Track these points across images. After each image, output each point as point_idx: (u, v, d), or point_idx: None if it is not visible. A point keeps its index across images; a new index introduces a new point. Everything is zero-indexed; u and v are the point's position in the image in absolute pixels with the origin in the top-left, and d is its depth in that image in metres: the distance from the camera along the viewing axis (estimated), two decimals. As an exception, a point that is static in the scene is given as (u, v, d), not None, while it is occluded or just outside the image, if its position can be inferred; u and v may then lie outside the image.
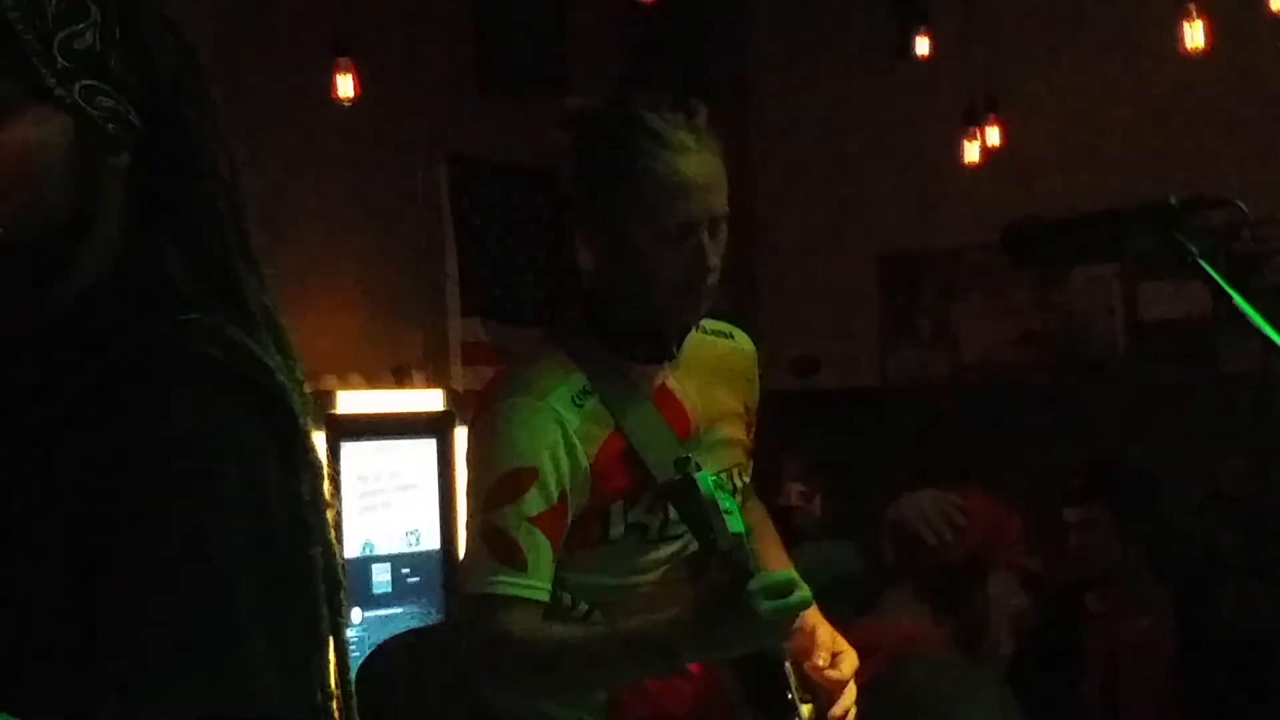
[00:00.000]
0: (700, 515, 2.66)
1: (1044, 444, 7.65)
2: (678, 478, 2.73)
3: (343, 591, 1.87)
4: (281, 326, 1.92)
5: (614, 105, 2.94)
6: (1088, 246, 2.55)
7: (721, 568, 2.61)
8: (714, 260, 2.88)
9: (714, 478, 2.69)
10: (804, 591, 2.62)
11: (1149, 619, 5.26)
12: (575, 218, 2.99)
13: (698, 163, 2.85)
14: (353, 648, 6.47)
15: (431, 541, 6.92)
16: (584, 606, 2.92)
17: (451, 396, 7.05)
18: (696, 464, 2.74)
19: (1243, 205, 2.44)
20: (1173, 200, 2.30)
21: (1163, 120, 7.92)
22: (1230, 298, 2.22)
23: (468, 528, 2.93)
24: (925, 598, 3.77)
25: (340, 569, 1.87)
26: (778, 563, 3.13)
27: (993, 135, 7.76)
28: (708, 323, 3.11)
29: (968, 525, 3.84)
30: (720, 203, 2.89)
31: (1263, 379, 6.94)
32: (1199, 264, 2.26)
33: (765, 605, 2.56)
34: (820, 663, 2.93)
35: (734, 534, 2.61)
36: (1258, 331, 2.22)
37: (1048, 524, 5.64)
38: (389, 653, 4.99)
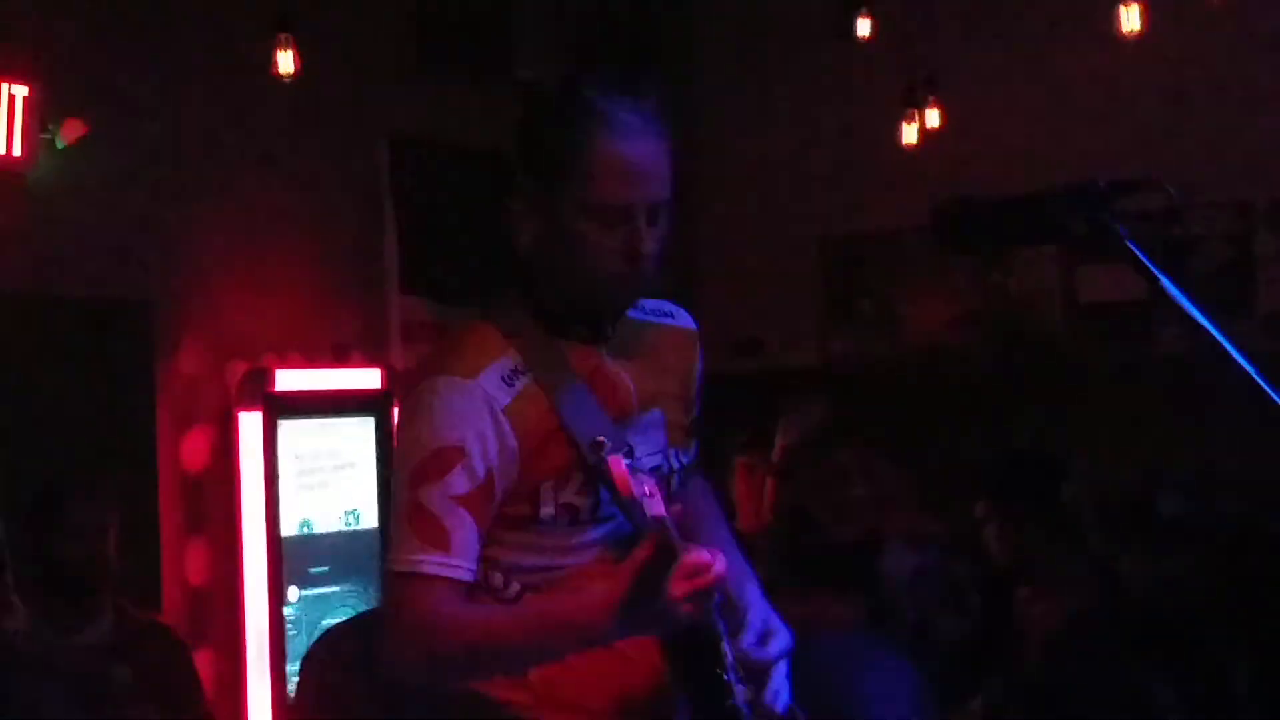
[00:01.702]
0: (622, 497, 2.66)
1: (984, 424, 7.69)
2: (592, 460, 2.73)
3: None
4: None
5: (562, 82, 2.92)
6: (1019, 231, 2.54)
7: (642, 548, 2.60)
8: (650, 246, 2.86)
9: (629, 462, 2.68)
10: (717, 568, 2.61)
11: (1074, 597, 5.29)
12: (515, 193, 2.97)
13: (640, 147, 2.83)
14: (290, 626, 6.54)
15: (370, 521, 6.92)
16: (515, 587, 2.90)
17: (390, 375, 7.03)
18: (614, 446, 2.73)
19: (1170, 189, 2.45)
20: (1100, 182, 2.31)
21: (1102, 103, 7.96)
22: (1157, 280, 2.24)
23: (393, 506, 2.91)
24: (820, 578, 3.77)
25: None
26: (719, 542, 3.13)
27: (932, 117, 7.77)
28: (648, 302, 3.09)
29: (855, 504, 3.85)
30: (661, 189, 2.87)
31: (1196, 359, 6.97)
32: (1127, 246, 2.27)
33: (680, 585, 2.56)
34: (746, 644, 2.93)
35: (652, 516, 2.61)
36: (1187, 314, 2.23)
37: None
38: (334, 638, 4.99)
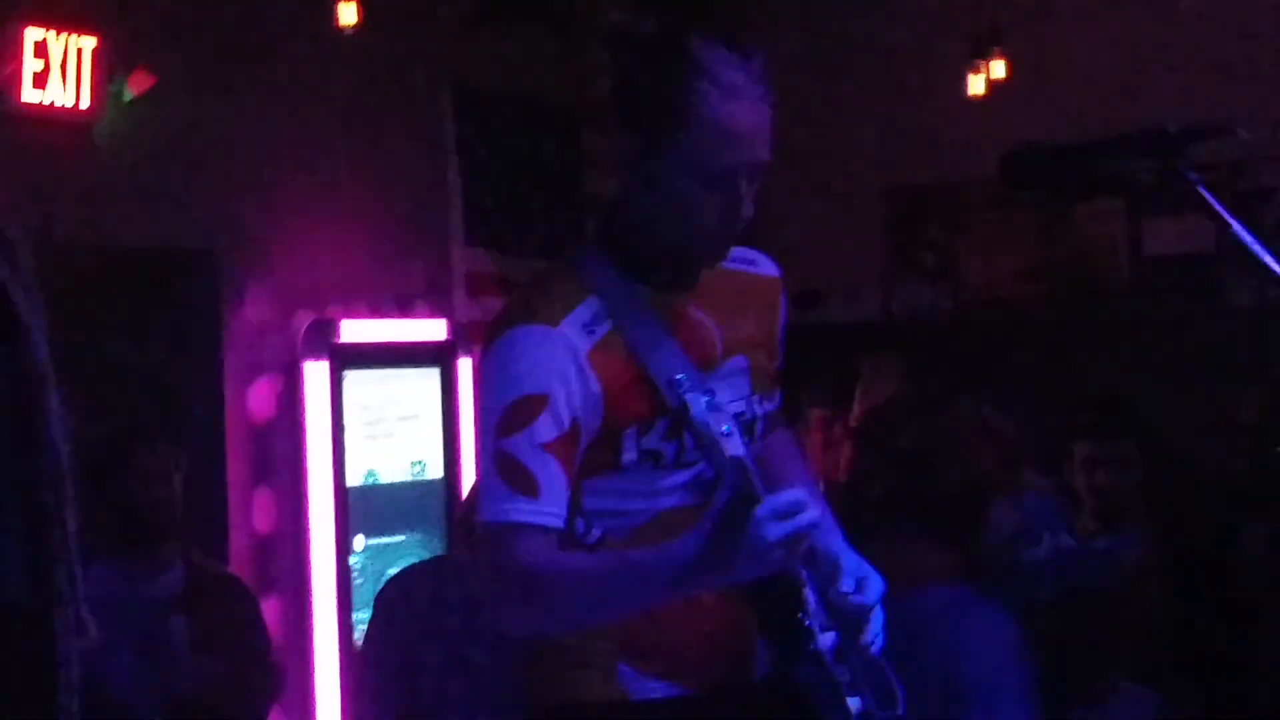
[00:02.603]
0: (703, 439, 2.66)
1: (1046, 379, 7.65)
2: (670, 400, 2.73)
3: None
4: None
5: (667, 34, 2.90)
6: (1089, 178, 2.54)
7: (725, 491, 2.60)
8: (748, 209, 2.87)
9: (708, 399, 2.68)
10: (811, 513, 2.60)
11: (1141, 551, 5.28)
12: (605, 141, 2.96)
13: (748, 110, 2.82)
14: (356, 575, 6.58)
15: (435, 472, 6.95)
16: (597, 533, 2.92)
17: (455, 327, 7.05)
18: (693, 386, 2.73)
19: (1244, 134, 2.43)
20: (1170, 128, 2.30)
21: (1174, 50, 7.86)
22: (1230, 227, 2.23)
23: (479, 456, 2.93)
24: (926, 526, 3.75)
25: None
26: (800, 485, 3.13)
27: (998, 68, 7.72)
28: (733, 249, 3.07)
29: (970, 453, 3.82)
30: (764, 152, 2.86)
31: (1266, 312, 6.93)
32: (1198, 193, 2.26)
33: (768, 527, 2.55)
34: (845, 589, 2.92)
35: (732, 457, 2.61)
36: (1260, 264, 2.22)
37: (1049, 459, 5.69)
38: (406, 578, 5.03)
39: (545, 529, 2.80)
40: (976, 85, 7.77)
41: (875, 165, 8.69)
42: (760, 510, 2.54)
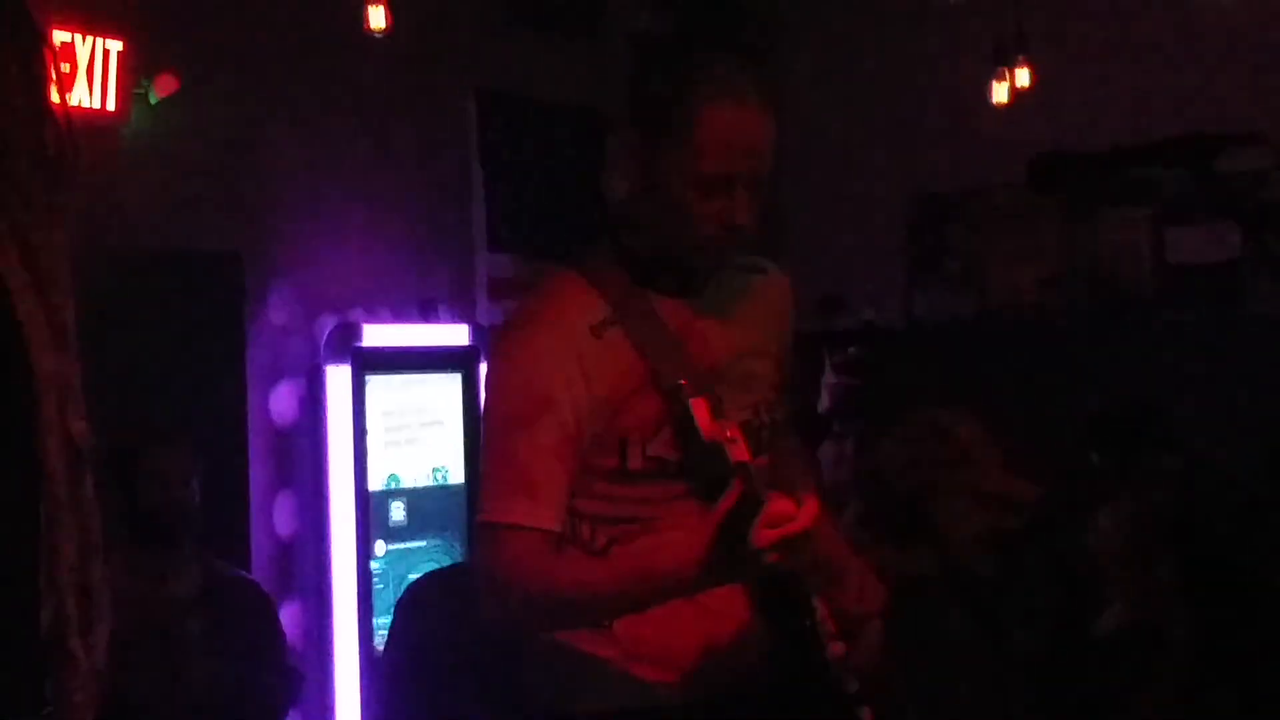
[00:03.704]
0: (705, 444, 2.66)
1: (1068, 386, 7.64)
2: (675, 405, 2.72)
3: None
4: None
5: (675, 40, 2.91)
6: (1116, 185, 2.54)
7: (725, 496, 2.59)
8: (745, 217, 2.86)
9: (713, 406, 2.68)
10: (802, 522, 2.59)
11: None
12: (617, 143, 2.96)
13: (749, 118, 2.83)
14: (377, 580, 6.58)
15: (457, 477, 6.95)
16: (603, 539, 2.90)
17: (478, 331, 7.05)
18: (698, 392, 2.72)
19: (1275, 145, 2.44)
20: (1202, 136, 2.30)
21: (1199, 59, 7.82)
22: (1255, 235, 2.22)
23: (482, 456, 2.93)
24: (886, 532, 3.77)
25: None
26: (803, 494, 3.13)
27: (1022, 76, 7.70)
28: (742, 255, 3.08)
29: (916, 457, 3.84)
30: (764, 161, 2.87)
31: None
32: (1225, 201, 2.26)
33: (766, 534, 2.54)
34: (846, 598, 2.92)
35: (735, 462, 2.60)
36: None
37: (1067, 464, 5.67)
38: (428, 583, 5.03)
39: (542, 531, 2.80)
40: (1000, 93, 7.75)
41: (899, 172, 8.68)
42: (754, 514, 2.55)
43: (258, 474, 6.60)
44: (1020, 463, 4.13)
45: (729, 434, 2.64)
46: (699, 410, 2.63)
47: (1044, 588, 5.17)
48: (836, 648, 2.86)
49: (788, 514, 2.58)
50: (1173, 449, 5.44)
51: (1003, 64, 7.71)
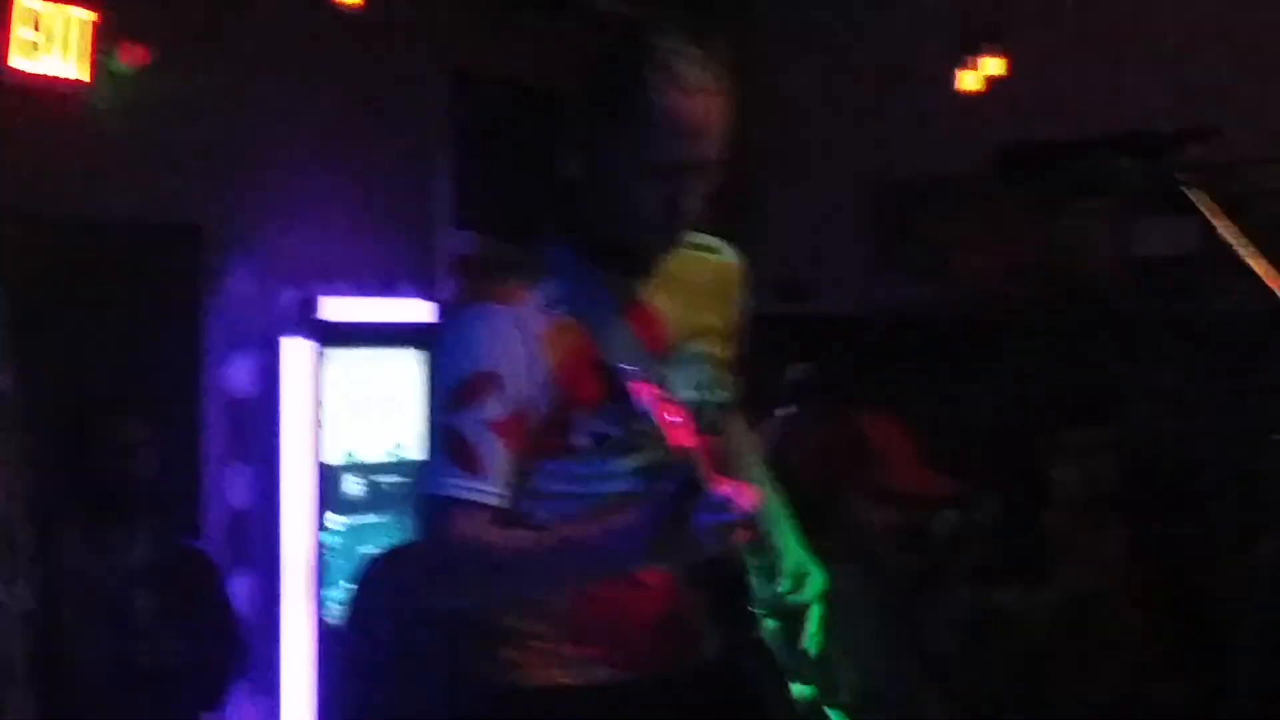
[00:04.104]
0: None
1: (1030, 376, 7.66)
2: (619, 387, 2.72)
3: None
4: None
5: (628, 25, 2.91)
6: (1080, 177, 2.55)
7: (669, 479, 2.59)
8: (692, 203, 2.87)
9: (659, 389, 2.68)
10: (740, 508, 2.59)
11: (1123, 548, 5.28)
12: (569, 127, 2.96)
13: (698, 105, 2.82)
14: (329, 553, 6.56)
15: (414, 453, 6.93)
16: (547, 515, 2.91)
17: (439, 308, 7.03)
18: (645, 374, 2.72)
19: (1229, 140, 2.44)
20: (1160, 130, 2.31)
21: (1166, 51, 7.84)
22: (1216, 230, 2.23)
23: (428, 430, 2.92)
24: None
25: None
26: (754, 481, 3.13)
27: (990, 64, 7.71)
28: (694, 236, 3.08)
29: (818, 456, 3.89)
30: (712, 148, 2.86)
31: (1251, 316, 6.91)
32: (1186, 196, 2.26)
33: (705, 518, 2.55)
34: (780, 587, 2.96)
35: (677, 445, 2.60)
36: (1245, 268, 2.22)
37: (1026, 453, 5.69)
38: (385, 560, 5.03)
39: (485, 506, 2.80)
40: (968, 80, 7.76)
41: (865, 158, 8.67)
42: (693, 499, 2.55)
43: (213, 445, 6.58)
44: (942, 460, 4.16)
45: (674, 419, 2.63)
46: (640, 392, 2.62)
47: (964, 579, 5.21)
48: (769, 627, 2.88)
49: (728, 498, 2.58)
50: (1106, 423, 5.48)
51: (971, 52, 7.73)
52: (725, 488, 2.59)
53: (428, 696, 4.61)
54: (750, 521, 2.63)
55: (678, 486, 2.56)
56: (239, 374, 6.67)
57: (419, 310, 7.01)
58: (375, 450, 6.83)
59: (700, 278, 3.11)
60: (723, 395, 3.11)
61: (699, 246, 3.12)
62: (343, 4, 6.46)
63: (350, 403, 6.75)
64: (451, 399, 2.84)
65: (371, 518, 6.75)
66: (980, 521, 5.44)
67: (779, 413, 5.24)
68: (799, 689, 2.91)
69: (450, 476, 2.80)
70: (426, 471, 2.88)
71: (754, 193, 8.50)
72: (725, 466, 2.87)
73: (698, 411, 2.92)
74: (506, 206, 7.65)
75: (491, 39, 7.65)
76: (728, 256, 3.22)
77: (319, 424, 6.56)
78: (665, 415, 2.60)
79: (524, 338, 2.83)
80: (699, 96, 2.81)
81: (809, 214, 8.70)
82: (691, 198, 2.85)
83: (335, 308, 6.68)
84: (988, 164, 2.54)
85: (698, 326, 3.06)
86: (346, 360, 6.73)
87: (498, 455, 2.81)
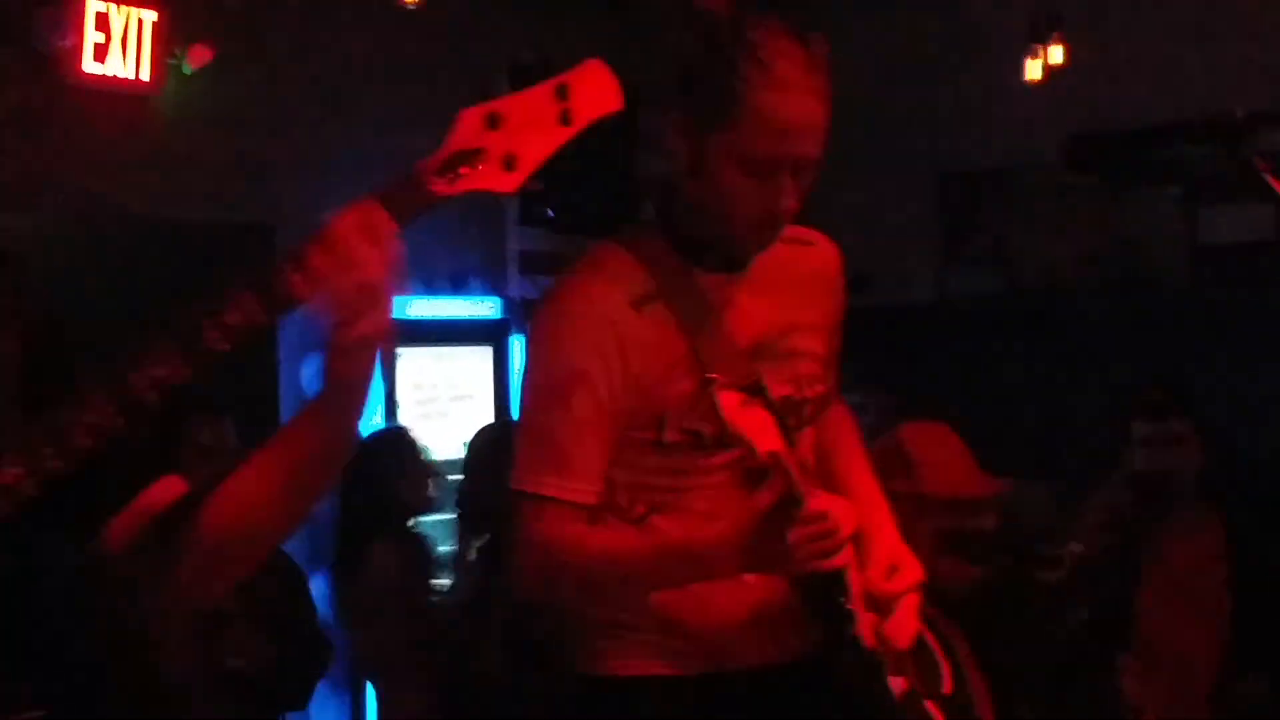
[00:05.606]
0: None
1: (1099, 366, 7.62)
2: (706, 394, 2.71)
3: None
4: None
5: (730, 20, 2.85)
6: (1151, 164, 2.55)
7: (765, 493, 2.60)
8: (791, 202, 2.84)
9: (746, 395, 2.66)
10: (839, 521, 2.62)
11: (1203, 538, 5.25)
12: (663, 120, 2.92)
13: (799, 103, 2.78)
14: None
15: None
16: (641, 508, 2.90)
17: (509, 305, 7.06)
18: (736, 378, 2.72)
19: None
20: (1238, 114, 2.29)
21: (1237, 37, 7.78)
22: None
23: (519, 428, 2.93)
24: None
25: None
26: (856, 475, 3.14)
27: (1056, 53, 7.67)
28: (790, 229, 3.01)
29: None
30: (813, 147, 2.82)
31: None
32: (1262, 180, 2.25)
33: (800, 533, 2.57)
34: (875, 576, 2.93)
35: (765, 452, 2.60)
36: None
37: (1100, 444, 5.67)
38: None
39: (574, 504, 2.81)
40: (1034, 70, 7.72)
41: (931, 149, 8.65)
42: (791, 511, 2.57)
43: (290, 446, 6.59)
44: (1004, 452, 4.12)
45: (760, 425, 2.63)
46: (726, 403, 2.62)
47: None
48: (866, 621, 2.85)
49: (826, 513, 2.59)
50: (1203, 422, 5.44)
51: (1037, 41, 7.69)
52: (823, 503, 2.60)
53: (520, 686, 4.64)
54: (847, 540, 2.65)
55: (775, 501, 2.57)
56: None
57: (489, 307, 7.03)
58: (450, 448, 6.84)
59: (796, 270, 3.06)
60: (819, 389, 3.06)
61: (794, 239, 3.06)
62: (406, 3, 6.47)
63: (423, 401, 6.77)
64: (542, 396, 2.86)
65: (448, 515, 6.77)
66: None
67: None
68: (897, 681, 2.90)
69: (540, 474, 2.82)
70: (518, 466, 2.87)
71: (821, 183, 8.48)
72: (822, 461, 2.87)
73: (791, 406, 2.93)
74: (572, 201, 7.67)
75: (554, 31, 7.66)
76: (824, 248, 3.18)
77: (394, 422, 6.57)
78: (748, 424, 2.60)
79: (615, 334, 2.82)
80: (803, 94, 2.78)
81: (875, 206, 8.67)
82: (789, 197, 2.82)
83: (406, 306, 6.70)
84: (1055, 153, 2.53)
85: (793, 320, 3.02)
86: (419, 359, 6.76)
87: (588, 452, 2.81)
